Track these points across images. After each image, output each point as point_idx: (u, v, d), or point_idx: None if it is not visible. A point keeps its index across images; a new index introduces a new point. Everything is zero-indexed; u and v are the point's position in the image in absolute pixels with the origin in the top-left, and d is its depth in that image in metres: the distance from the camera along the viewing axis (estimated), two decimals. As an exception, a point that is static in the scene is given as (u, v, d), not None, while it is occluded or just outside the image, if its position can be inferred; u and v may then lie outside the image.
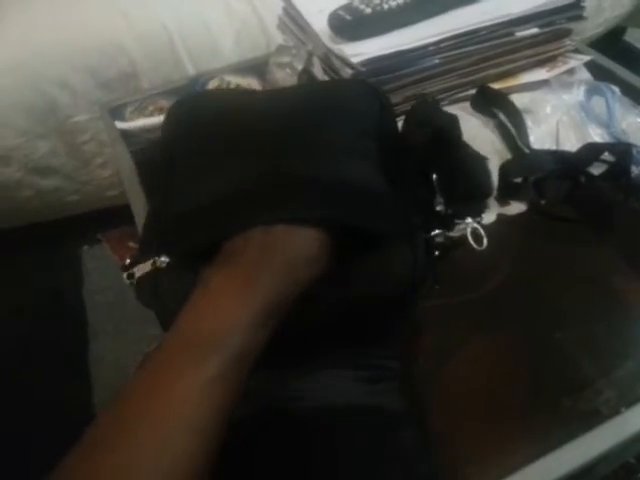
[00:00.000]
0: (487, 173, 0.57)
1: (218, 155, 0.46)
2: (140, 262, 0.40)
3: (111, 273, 1.20)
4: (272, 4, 0.87)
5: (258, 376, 0.34)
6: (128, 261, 0.42)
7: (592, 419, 0.44)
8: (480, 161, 0.57)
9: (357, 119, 0.50)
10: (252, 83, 0.75)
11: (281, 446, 0.41)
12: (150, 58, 0.98)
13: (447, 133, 0.53)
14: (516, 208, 0.60)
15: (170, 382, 0.30)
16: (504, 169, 0.61)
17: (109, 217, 1.20)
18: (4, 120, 0.97)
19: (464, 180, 0.55)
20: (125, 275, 0.41)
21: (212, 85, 0.77)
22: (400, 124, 0.56)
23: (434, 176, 0.54)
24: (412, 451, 0.42)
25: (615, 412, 0.45)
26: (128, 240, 1.24)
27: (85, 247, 1.16)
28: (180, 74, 1.00)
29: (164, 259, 0.40)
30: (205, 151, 0.47)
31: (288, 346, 0.41)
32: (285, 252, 0.36)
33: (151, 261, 0.40)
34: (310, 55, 0.66)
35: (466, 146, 0.57)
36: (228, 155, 0.46)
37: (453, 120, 0.54)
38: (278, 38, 0.79)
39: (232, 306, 0.33)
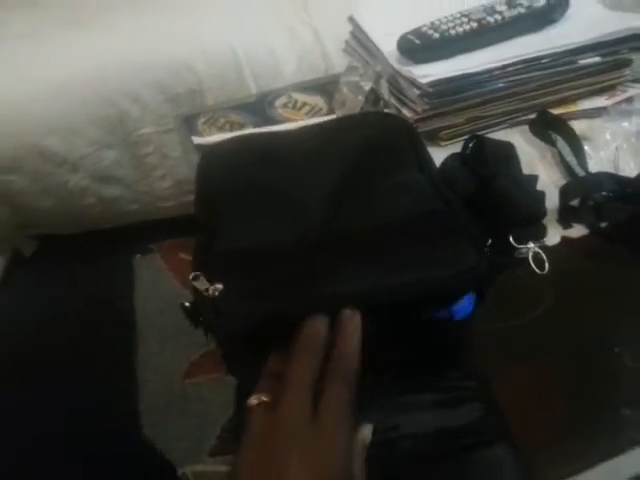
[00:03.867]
0: (536, 196, 0.57)
1: (263, 197, 0.47)
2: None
3: (161, 282, 1.23)
4: (334, 32, 0.92)
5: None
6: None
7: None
8: (528, 184, 0.58)
9: (396, 153, 0.50)
10: (317, 101, 0.79)
11: None
12: (217, 77, 1.04)
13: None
14: (579, 231, 0.61)
15: None
16: (563, 191, 0.62)
17: (162, 228, 1.24)
18: (79, 130, 1.04)
19: (509, 209, 0.56)
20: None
21: (279, 102, 0.81)
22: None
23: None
24: (508, 465, 0.42)
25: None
26: (179, 251, 1.28)
27: (138, 255, 1.20)
28: (243, 93, 1.05)
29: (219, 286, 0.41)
30: (249, 192, 0.48)
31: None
32: None
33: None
34: (378, 76, 0.69)
35: (513, 172, 0.58)
36: (274, 199, 0.47)
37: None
38: (337, 64, 0.83)
39: None
